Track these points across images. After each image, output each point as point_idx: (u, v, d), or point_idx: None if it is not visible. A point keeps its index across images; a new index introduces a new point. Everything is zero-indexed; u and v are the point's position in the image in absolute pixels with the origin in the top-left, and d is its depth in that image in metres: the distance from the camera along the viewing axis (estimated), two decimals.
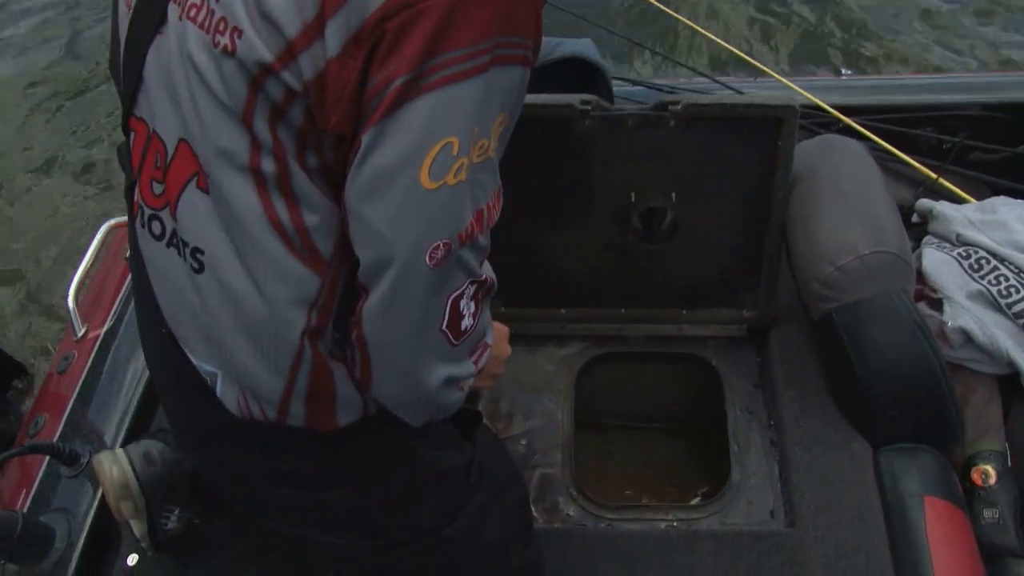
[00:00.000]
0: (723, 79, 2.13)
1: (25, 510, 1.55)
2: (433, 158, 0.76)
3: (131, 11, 0.92)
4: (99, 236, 1.87)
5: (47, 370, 1.89)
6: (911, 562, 1.44)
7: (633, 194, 1.69)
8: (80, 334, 1.83)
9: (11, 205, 3.87)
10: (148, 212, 0.94)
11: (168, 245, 0.93)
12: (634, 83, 2.09)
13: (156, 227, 0.93)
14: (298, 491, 1.05)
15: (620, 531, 1.57)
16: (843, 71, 2.33)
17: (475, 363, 0.94)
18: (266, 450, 1.01)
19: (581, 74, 1.93)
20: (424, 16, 0.74)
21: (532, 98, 1.57)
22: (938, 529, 1.47)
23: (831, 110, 2.07)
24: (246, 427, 0.97)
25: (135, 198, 0.96)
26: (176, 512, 1.45)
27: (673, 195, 1.68)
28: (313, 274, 0.87)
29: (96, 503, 1.54)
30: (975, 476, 1.66)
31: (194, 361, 0.96)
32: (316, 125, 0.81)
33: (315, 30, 0.76)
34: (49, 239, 3.64)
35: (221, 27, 0.80)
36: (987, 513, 1.62)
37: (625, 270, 1.80)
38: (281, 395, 0.92)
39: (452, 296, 0.84)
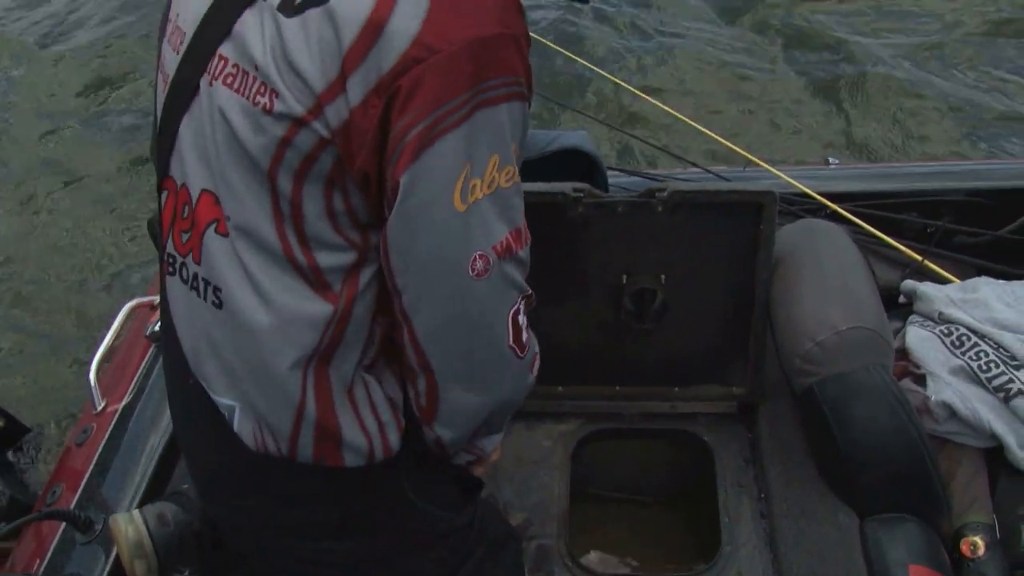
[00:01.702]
0: (714, 169, 2.24)
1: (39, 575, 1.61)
2: (461, 185, 0.90)
3: (167, 86, 1.05)
4: (122, 314, 1.95)
5: (65, 441, 1.94)
6: None
7: (625, 276, 1.78)
8: (100, 408, 1.89)
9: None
10: (178, 260, 1.05)
11: (191, 288, 1.04)
12: (630, 173, 2.20)
13: (184, 273, 1.05)
14: (309, 541, 1.13)
15: None
16: (831, 160, 2.43)
17: (533, 372, 1.08)
18: (278, 497, 1.09)
19: (579, 165, 2.06)
20: (433, 69, 0.87)
21: (529, 186, 1.67)
22: None
23: (818, 197, 2.17)
24: (262, 471, 1.06)
25: (167, 250, 1.08)
26: (187, 573, 1.51)
27: (663, 277, 1.78)
28: (325, 304, 0.99)
29: (108, 569, 1.58)
30: (964, 548, 1.68)
31: (214, 397, 1.05)
32: (344, 168, 0.93)
33: (339, 85, 0.89)
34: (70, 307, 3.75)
35: (261, 90, 0.93)
36: None
37: (619, 348, 1.88)
38: (291, 427, 1.02)
39: (511, 311, 0.98)
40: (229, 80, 0.95)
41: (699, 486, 1.89)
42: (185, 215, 1.03)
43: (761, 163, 2.18)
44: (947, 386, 1.78)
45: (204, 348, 1.05)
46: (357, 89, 0.88)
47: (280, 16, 0.91)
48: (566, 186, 1.69)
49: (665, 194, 1.67)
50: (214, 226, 0.99)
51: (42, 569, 1.61)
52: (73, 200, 4.30)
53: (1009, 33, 4.57)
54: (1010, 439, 1.74)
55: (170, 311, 1.10)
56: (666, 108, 2.33)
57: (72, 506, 1.72)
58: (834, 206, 2.15)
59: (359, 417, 1.04)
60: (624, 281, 1.79)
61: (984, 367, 1.78)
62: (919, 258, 2.15)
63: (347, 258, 0.98)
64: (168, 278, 1.08)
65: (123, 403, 1.89)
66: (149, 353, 1.91)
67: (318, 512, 1.10)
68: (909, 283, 2.07)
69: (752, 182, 1.75)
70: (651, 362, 1.89)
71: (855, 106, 4.03)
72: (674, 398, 1.93)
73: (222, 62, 0.96)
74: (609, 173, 2.06)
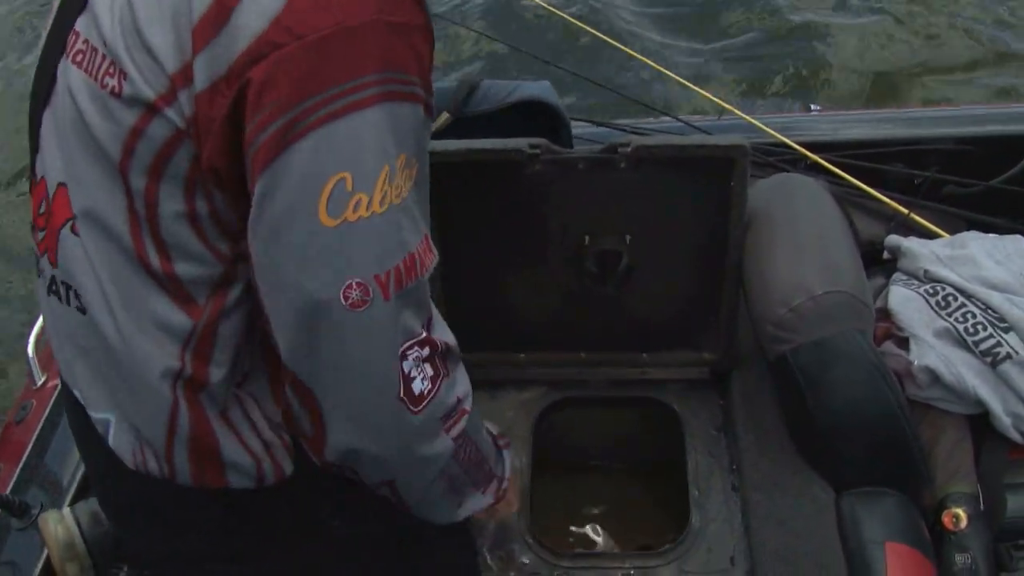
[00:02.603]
0: (687, 118, 2.12)
1: None
2: (328, 195, 0.75)
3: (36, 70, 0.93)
4: None
5: (4, 419, 1.89)
6: None
7: (587, 237, 1.68)
8: (40, 383, 1.83)
9: None
10: (39, 262, 0.95)
11: (52, 292, 0.93)
12: (596, 124, 2.08)
13: (44, 276, 0.94)
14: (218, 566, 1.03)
15: None
16: (811, 107, 2.31)
17: (448, 432, 0.90)
18: (169, 525, 1.00)
19: (541, 118, 1.94)
20: (294, 57, 0.73)
21: (481, 143, 1.60)
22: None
23: (797, 147, 2.05)
24: (147, 496, 0.96)
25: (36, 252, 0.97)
26: (125, 570, 1.44)
27: (627, 237, 1.67)
28: (186, 318, 0.87)
29: (46, 557, 1.52)
30: (946, 520, 1.61)
31: (91, 414, 0.95)
32: (200, 165, 0.81)
33: (190, 66, 0.76)
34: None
35: (110, 70, 0.80)
36: (959, 558, 1.58)
37: (584, 313, 1.79)
38: (164, 443, 0.91)
39: (397, 356, 0.82)
40: (79, 58, 0.84)
41: (668, 457, 1.82)
42: (41, 211, 0.92)
43: (736, 111, 2.06)
44: (931, 349, 1.69)
45: (75, 359, 0.94)
46: (203, 72, 0.75)
47: None
48: (522, 142, 1.58)
49: (628, 149, 1.56)
50: (70, 224, 0.87)
51: None
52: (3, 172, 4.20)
53: None
54: (996, 405, 1.66)
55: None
56: (633, 53, 2.20)
57: (9, 489, 1.66)
58: (814, 156, 2.04)
59: (239, 436, 0.92)
60: (586, 242, 1.68)
61: (971, 329, 1.69)
62: (905, 211, 2.04)
63: (212, 271, 0.86)
64: (37, 282, 0.97)
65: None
66: None
67: (213, 539, 1.00)
68: (894, 238, 1.97)
69: (727, 132, 1.63)
70: (618, 327, 1.80)
71: (836, 50, 3.89)
72: (642, 364, 1.84)
73: (74, 37, 0.84)
74: (574, 124, 1.95)
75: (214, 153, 0.78)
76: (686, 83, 2.15)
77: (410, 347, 0.82)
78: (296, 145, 0.74)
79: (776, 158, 2.05)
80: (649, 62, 2.12)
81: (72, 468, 1.68)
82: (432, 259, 0.85)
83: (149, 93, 0.78)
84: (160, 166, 0.81)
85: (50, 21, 0.91)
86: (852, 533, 1.50)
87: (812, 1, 4.36)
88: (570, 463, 1.97)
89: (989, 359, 1.66)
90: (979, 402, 1.66)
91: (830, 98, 3.61)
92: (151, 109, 0.79)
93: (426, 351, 0.84)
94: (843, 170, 2.02)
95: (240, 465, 0.93)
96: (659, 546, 1.63)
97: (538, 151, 1.58)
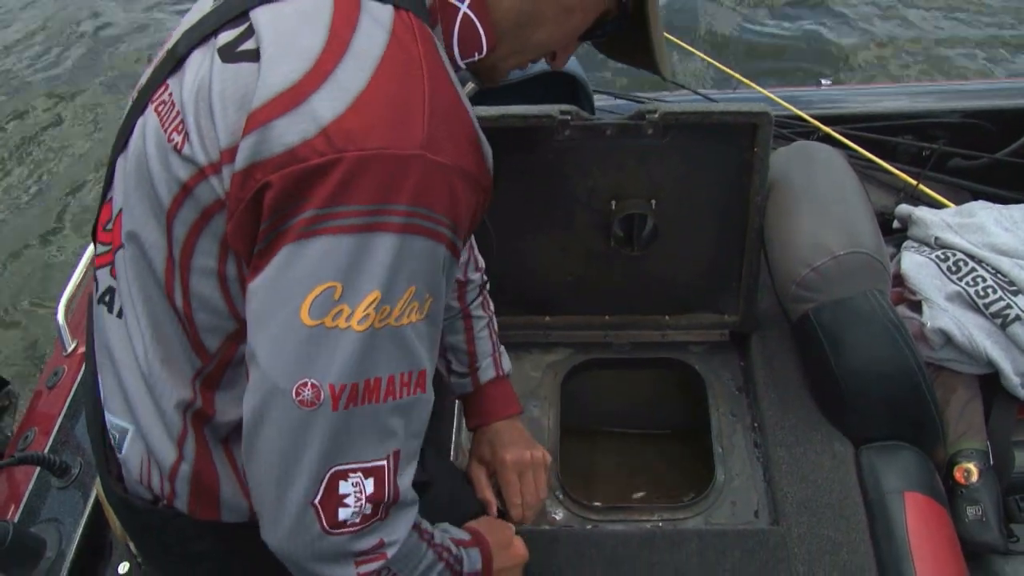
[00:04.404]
0: (703, 91, 2.17)
1: (15, 521, 1.56)
2: (314, 297, 0.78)
3: (135, 93, 0.98)
4: (88, 252, 1.89)
5: (35, 386, 1.92)
6: (892, 556, 1.45)
7: (614, 202, 1.72)
8: (70, 349, 1.85)
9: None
10: (96, 270, 1.01)
11: (100, 301, 0.99)
12: (616, 96, 2.13)
13: (98, 285, 1.00)
14: None
15: (606, 532, 1.58)
16: (823, 81, 2.36)
17: (358, 567, 0.87)
18: (164, 549, 1.04)
19: (563, 87, 1.98)
20: (331, 168, 0.76)
21: (513, 109, 1.63)
22: (918, 524, 1.49)
23: (811, 119, 2.11)
24: (145, 521, 1.01)
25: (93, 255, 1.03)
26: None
27: (653, 202, 1.72)
28: (197, 358, 0.92)
29: (87, 513, 1.55)
30: (957, 474, 1.67)
31: (107, 417, 1.00)
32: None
33: (237, 146, 0.80)
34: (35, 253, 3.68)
35: (178, 127, 0.85)
36: (970, 511, 1.64)
37: (608, 277, 1.83)
38: (171, 466, 0.95)
39: (332, 468, 0.82)
40: (160, 108, 0.88)
41: (691, 416, 1.86)
42: (108, 227, 0.97)
43: (752, 84, 2.11)
44: (943, 312, 1.75)
45: (106, 364, 0.99)
46: (244, 154, 0.78)
47: (217, 59, 0.83)
48: (552, 108, 1.62)
49: (656, 116, 1.60)
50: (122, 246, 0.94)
51: (17, 515, 1.58)
52: (34, 146, 4.20)
53: None
54: (1006, 365, 1.72)
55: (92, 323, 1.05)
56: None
57: (46, 451, 1.68)
58: (826, 128, 2.10)
59: (238, 473, 0.97)
60: (613, 207, 1.72)
61: (981, 292, 1.75)
62: (913, 182, 2.11)
63: (227, 325, 0.90)
64: (90, 287, 1.03)
65: None
66: None
67: (205, 568, 1.05)
68: (904, 207, 2.03)
69: (743, 104, 1.67)
70: (641, 290, 1.84)
71: (850, 26, 3.93)
72: (665, 327, 1.88)
73: (163, 88, 0.89)
74: (595, 97, 1.99)
75: (235, 231, 0.82)
76: (704, 56, 2.19)
77: (352, 469, 0.83)
78: (307, 241, 0.77)
79: (790, 130, 2.10)
80: (671, 38, 2.16)
81: None
82: (418, 396, 0.85)
83: (202, 159, 0.82)
84: (201, 224, 0.85)
85: (150, 69, 0.95)
86: (872, 484, 1.55)
87: None
88: (595, 423, 2.01)
89: (999, 321, 1.72)
90: (990, 362, 1.72)
91: (841, 72, 3.64)
92: (201, 173, 0.83)
93: (369, 484, 0.84)
94: (854, 142, 2.08)
95: (235, 506, 0.97)
96: (686, 501, 1.68)
97: (568, 117, 1.62)
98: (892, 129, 2.20)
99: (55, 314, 1.88)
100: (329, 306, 0.78)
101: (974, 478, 1.66)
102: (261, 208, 0.79)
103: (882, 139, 2.16)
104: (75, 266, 1.90)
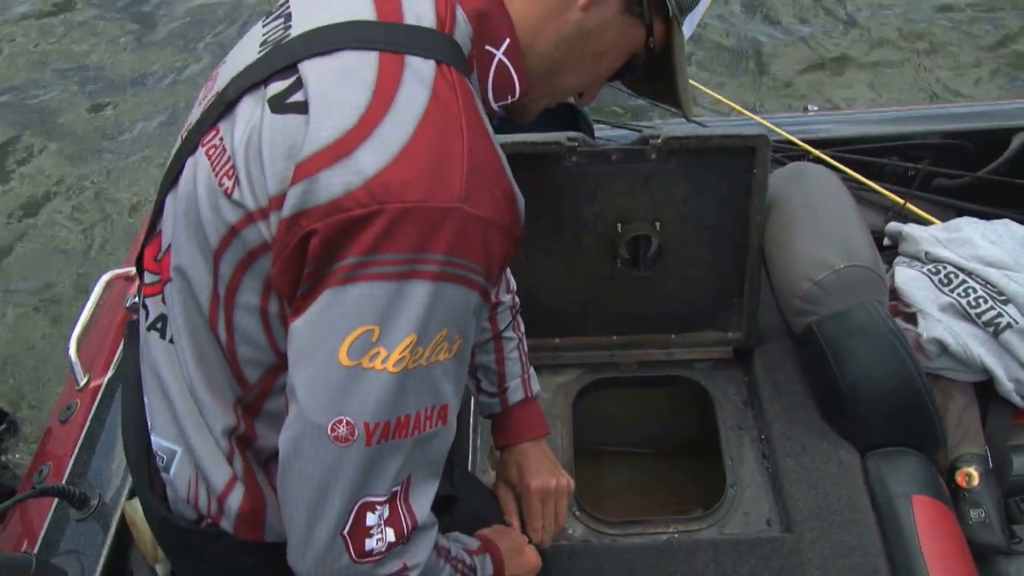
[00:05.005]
0: (698, 119, 2.24)
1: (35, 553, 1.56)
2: (352, 339, 0.82)
3: (185, 133, 1.02)
4: (99, 286, 1.90)
5: (45, 421, 1.90)
6: (904, 558, 1.50)
7: (619, 224, 1.78)
8: (82, 383, 1.85)
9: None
10: (144, 298, 1.04)
11: (151, 328, 1.03)
12: (614, 125, 2.20)
13: (147, 313, 1.03)
14: None
15: (623, 545, 1.62)
16: (810, 107, 2.45)
17: None
18: (207, 565, 1.07)
19: (563, 117, 2.05)
20: (372, 220, 0.80)
21: (521, 137, 1.69)
22: (927, 525, 1.54)
23: (801, 143, 2.19)
24: (188, 539, 1.04)
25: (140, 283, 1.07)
26: None
27: (657, 224, 1.78)
28: (237, 386, 0.96)
29: (108, 544, 1.55)
30: (959, 479, 1.73)
31: (154, 439, 1.03)
32: None
33: (285, 194, 0.84)
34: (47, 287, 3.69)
35: (229, 172, 0.89)
36: (973, 513, 1.69)
37: (615, 298, 1.88)
38: (223, 486, 0.99)
39: (361, 500, 0.86)
40: (211, 152, 0.92)
41: (699, 431, 1.91)
42: (158, 257, 1.02)
43: (744, 111, 2.19)
44: (938, 323, 1.82)
45: (155, 388, 1.03)
46: (291, 202, 0.83)
47: (267, 109, 0.88)
48: (560, 135, 1.68)
49: (659, 140, 1.67)
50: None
51: (37, 548, 1.57)
52: (44, 175, 4.22)
53: None
54: (1000, 372, 1.79)
55: (136, 345, 1.09)
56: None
57: (63, 483, 1.68)
58: (817, 152, 2.18)
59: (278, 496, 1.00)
60: (619, 230, 1.78)
61: (973, 303, 1.82)
62: (901, 201, 2.19)
63: (267, 359, 0.95)
64: (138, 317, 1.07)
65: (107, 377, 1.85)
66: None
67: None
68: (894, 225, 2.11)
69: (741, 128, 1.75)
70: (647, 310, 1.90)
71: (834, 53, 4.06)
72: (671, 345, 1.94)
73: (214, 132, 0.93)
74: (594, 126, 2.06)
75: (280, 273, 0.86)
76: (699, 86, 2.27)
77: (380, 502, 0.87)
78: (348, 286, 0.81)
79: (782, 154, 2.18)
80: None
81: (123, 465, 1.72)
82: (439, 428, 0.89)
83: (251, 204, 0.86)
84: (247, 264, 0.89)
85: (200, 110, 0.99)
86: (879, 489, 1.61)
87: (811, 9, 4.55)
88: (606, 440, 2.06)
89: (991, 329, 1.79)
90: (985, 369, 1.79)
91: (826, 98, 3.76)
92: (249, 217, 0.87)
93: (387, 513, 0.88)
94: (843, 164, 2.16)
95: (278, 527, 1.00)
96: (699, 512, 1.72)
97: (575, 143, 1.68)
98: (878, 151, 2.28)
99: (67, 349, 1.89)
100: (366, 348, 0.82)
101: (975, 482, 1.72)
102: (306, 253, 0.83)
103: (869, 160, 2.24)
104: (85, 300, 1.90)
